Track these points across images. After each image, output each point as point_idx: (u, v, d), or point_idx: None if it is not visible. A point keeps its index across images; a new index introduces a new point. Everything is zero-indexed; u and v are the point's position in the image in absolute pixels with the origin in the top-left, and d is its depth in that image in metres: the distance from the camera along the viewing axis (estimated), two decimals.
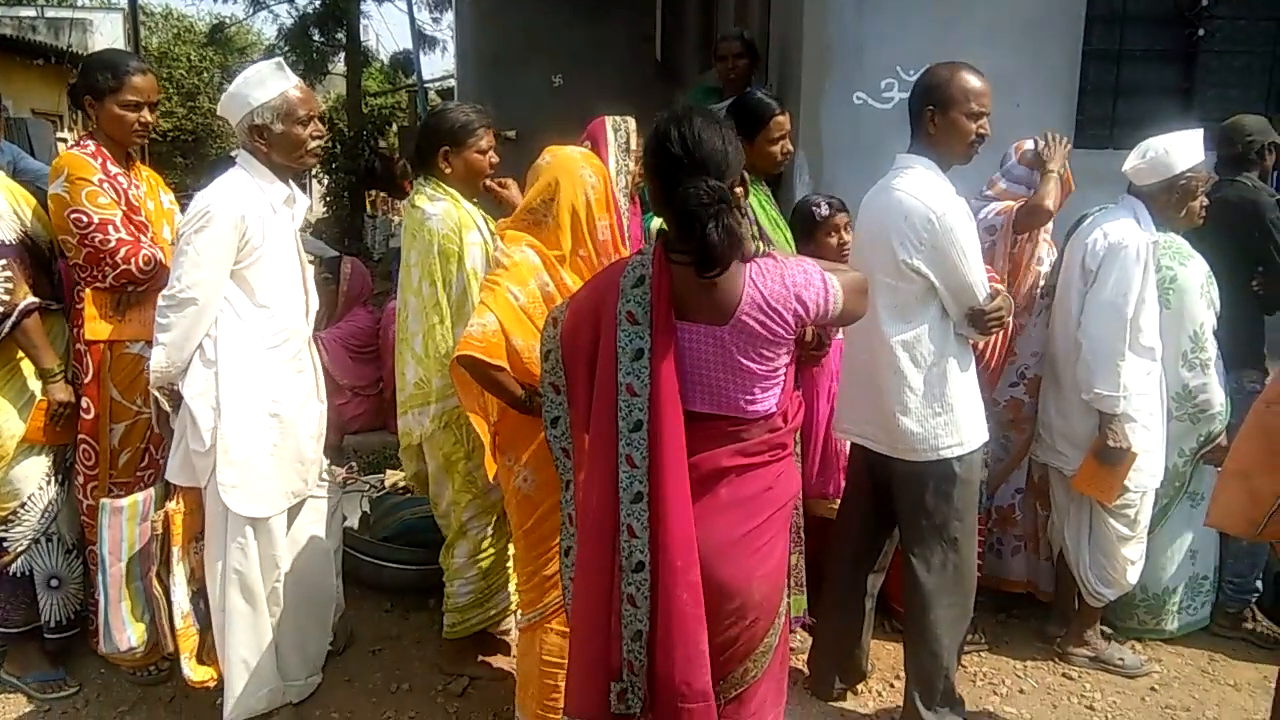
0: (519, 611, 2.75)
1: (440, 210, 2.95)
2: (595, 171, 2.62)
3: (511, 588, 3.19)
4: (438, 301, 2.93)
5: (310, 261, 3.19)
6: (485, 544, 3.09)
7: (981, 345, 3.26)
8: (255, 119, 2.81)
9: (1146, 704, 3.31)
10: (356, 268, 5.35)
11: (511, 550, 2.99)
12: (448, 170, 3.03)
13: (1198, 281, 3.36)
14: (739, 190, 1.99)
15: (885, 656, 3.44)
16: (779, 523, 2.09)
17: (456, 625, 3.17)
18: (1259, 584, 3.73)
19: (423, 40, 17.12)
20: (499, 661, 3.33)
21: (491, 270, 2.63)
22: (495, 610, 3.20)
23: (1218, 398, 3.43)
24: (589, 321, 2.03)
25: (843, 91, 4.32)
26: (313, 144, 2.90)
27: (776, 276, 1.97)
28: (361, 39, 18.23)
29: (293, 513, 2.99)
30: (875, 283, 2.77)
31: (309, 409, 2.98)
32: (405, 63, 18.84)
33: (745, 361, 1.96)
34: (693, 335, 1.96)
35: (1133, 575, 3.42)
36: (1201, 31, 4.43)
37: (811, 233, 3.47)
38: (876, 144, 3.86)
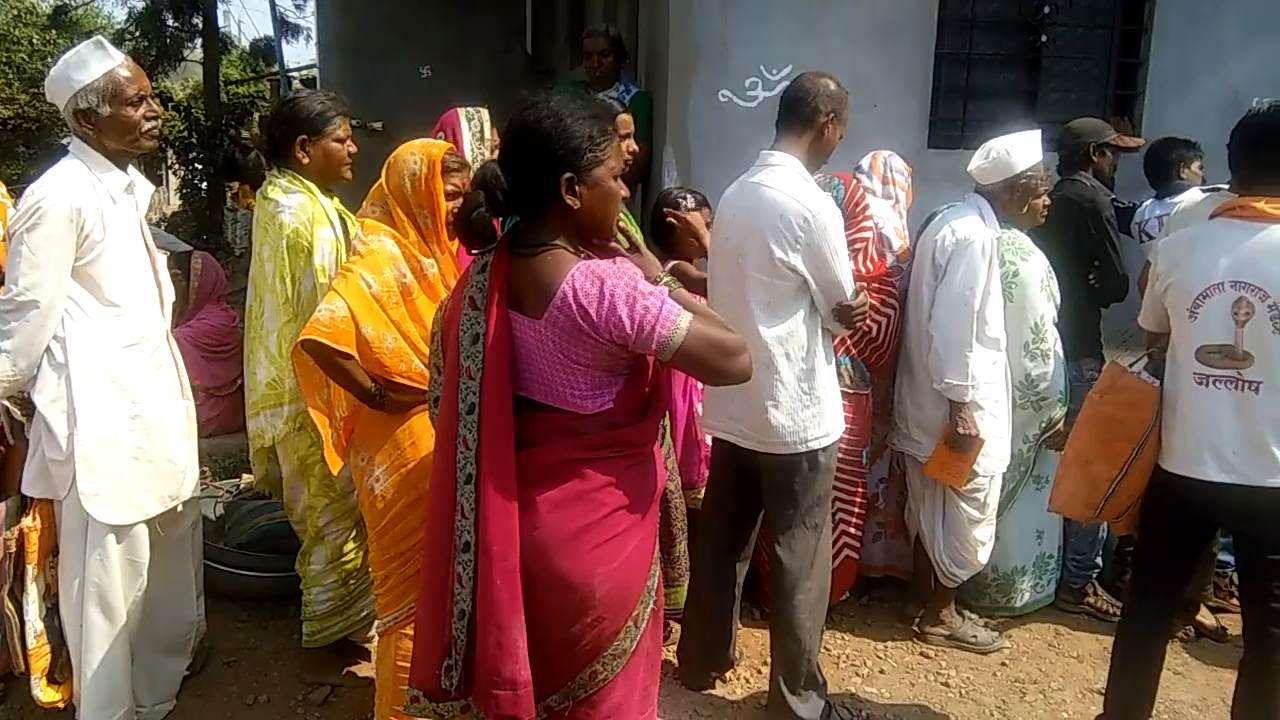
0: (378, 617, 2.68)
1: (294, 203, 2.85)
2: (423, 158, 2.58)
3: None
4: (288, 298, 2.83)
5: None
6: (347, 549, 3.00)
7: (879, 337, 3.43)
8: (80, 102, 2.63)
9: (998, 678, 3.47)
10: (209, 263, 5.11)
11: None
12: (305, 160, 2.93)
13: (1038, 276, 3.54)
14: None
15: (754, 644, 3.51)
16: (627, 520, 2.02)
17: (316, 634, 3.06)
18: (1099, 560, 3.96)
19: (285, 27, 16.49)
20: (363, 669, 3.24)
21: (349, 258, 2.56)
22: (358, 618, 3.11)
23: (1058, 386, 3.62)
24: (454, 305, 2.06)
25: (708, 89, 4.37)
26: (147, 125, 2.72)
27: (597, 281, 1.88)
28: (220, 25, 17.44)
29: (163, 524, 2.83)
30: (746, 279, 2.83)
31: (173, 408, 2.84)
32: (266, 50, 18.15)
33: (564, 358, 1.92)
34: (523, 325, 1.96)
35: (983, 556, 3.58)
36: (1044, 38, 4.66)
37: (673, 228, 3.50)
38: (742, 141, 3.92)
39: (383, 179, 2.59)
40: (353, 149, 3.01)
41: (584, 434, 1.98)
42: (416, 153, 2.57)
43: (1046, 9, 4.63)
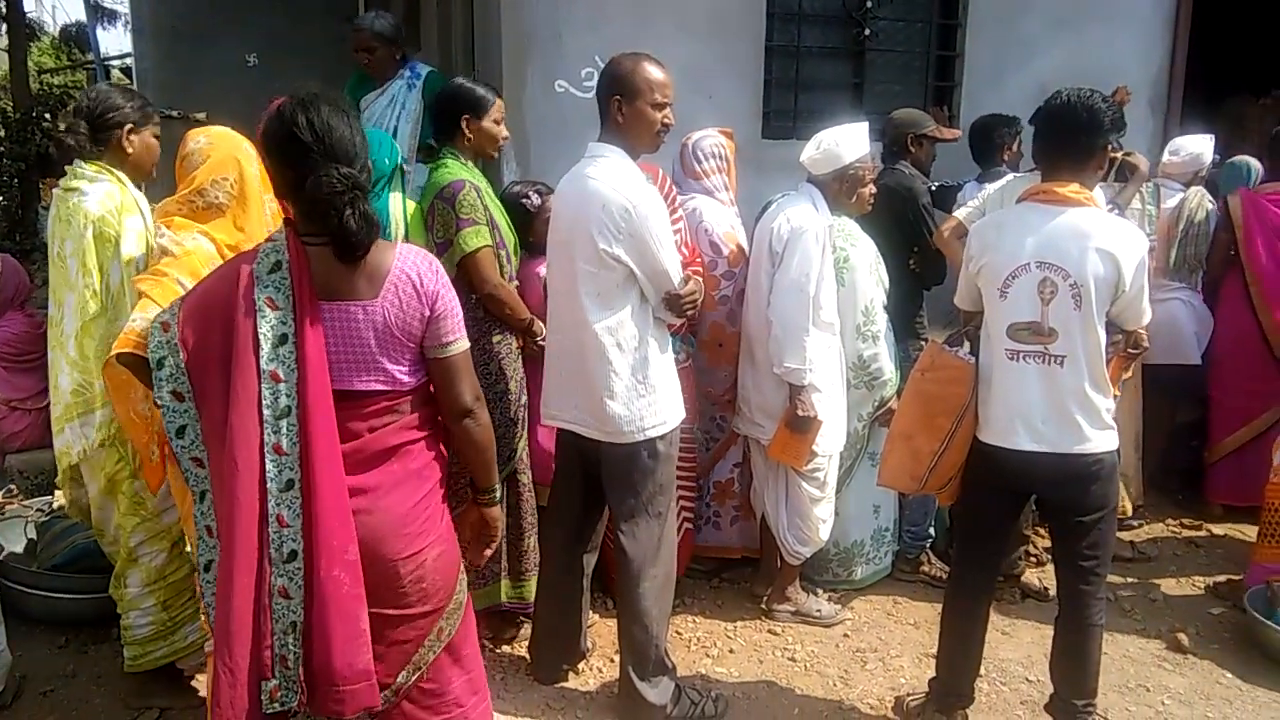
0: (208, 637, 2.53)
1: (101, 190, 2.66)
2: (253, 147, 2.51)
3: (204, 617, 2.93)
4: (95, 291, 2.64)
5: None
6: (169, 569, 2.82)
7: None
8: None
9: (840, 649, 3.60)
10: (9, 265, 4.71)
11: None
12: (130, 151, 2.79)
13: (867, 261, 3.68)
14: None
15: (607, 634, 3.51)
16: (438, 496, 2.17)
17: (139, 658, 2.88)
18: (932, 531, 4.16)
19: (100, 13, 15.46)
20: (195, 687, 3.07)
21: (156, 261, 2.40)
22: (184, 644, 2.92)
23: (888, 366, 3.78)
24: (219, 316, 1.95)
25: (544, 79, 4.34)
26: None
27: (418, 256, 2.07)
28: (29, 9, 16.18)
29: None
30: (577, 271, 2.82)
31: None
32: (80, 37, 16.94)
33: (397, 334, 2.01)
34: (342, 313, 1.98)
35: (825, 532, 3.70)
36: (867, 31, 4.85)
37: (529, 223, 3.48)
38: (580, 131, 3.88)
39: (240, 169, 2.45)
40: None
41: (403, 414, 2.07)
42: (247, 141, 2.48)
43: (868, 3, 4.81)
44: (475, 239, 3.04)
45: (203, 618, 2.46)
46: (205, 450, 2.01)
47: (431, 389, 2.14)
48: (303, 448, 1.92)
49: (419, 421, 2.11)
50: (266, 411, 1.90)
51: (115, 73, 13.79)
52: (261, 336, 1.91)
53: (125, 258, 2.66)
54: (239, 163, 2.51)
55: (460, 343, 2.11)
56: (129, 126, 2.79)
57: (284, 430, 1.91)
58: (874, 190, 3.67)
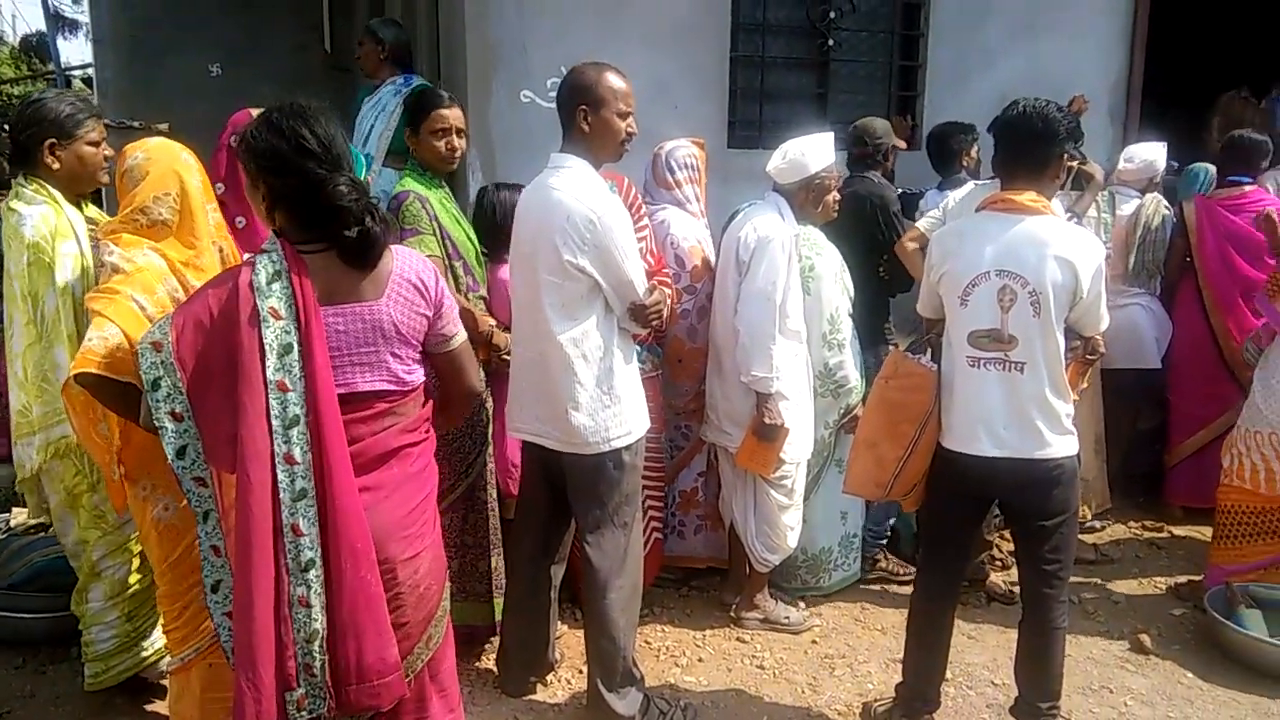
0: (169, 653, 2.50)
1: (36, 215, 2.63)
2: (193, 157, 2.51)
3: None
4: (31, 318, 2.61)
5: None
6: (131, 581, 2.78)
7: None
8: None
9: (809, 656, 3.61)
10: None
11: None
12: (55, 166, 2.72)
13: (833, 270, 3.71)
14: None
15: (575, 645, 3.50)
16: (433, 501, 2.22)
17: (101, 674, 2.84)
18: (889, 531, 4.23)
19: (61, 22, 15.25)
20: (157, 708, 3.02)
21: (107, 278, 2.37)
22: (147, 654, 2.89)
23: (854, 374, 3.80)
24: (219, 330, 1.94)
25: (510, 89, 4.34)
26: None
27: (415, 258, 2.15)
28: None
29: None
30: (540, 282, 2.82)
31: None
32: (40, 47, 16.69)
33: (403, 332, 2.07)
34: (347, 316, 2.01)
35: (793, 540, 3.71)
36: (831, 42, 4.89)
37: (500, 230, 3.47)
38: (546, 142, 3.86)
39: (182, 183, 2.44)
40: (109, 152, 2.80)
41: (404, 417, 2.12)
42: (186, 151, 2.47)
43: (832, 14, 4.85)
44: (420, 248, 3.01)
45: (163, 637, 2.43)
46: (208, 469, 2.00)
47: (425, 391, 2.20)
48: (315, 455, 1.94)
49: (417, 424, 2.16)
50: (275, 422, 1.91)
51: (76, 83, 13.60)
52: (267, 346, 1.91)
53: (60, 285, 2.63)
54: (179, 176, 2.47)
55: (460, 334, 2.23)
56: (50, 142, 2.72)
57: (294, 439, 1.92)
58: (838, 198, 3.70)
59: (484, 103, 4.32)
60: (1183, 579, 4.21)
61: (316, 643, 1.95)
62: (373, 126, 4.42)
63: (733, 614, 3.80)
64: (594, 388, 2.84)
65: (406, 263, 2.10)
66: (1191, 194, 4.78)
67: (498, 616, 3.35)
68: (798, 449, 3.61)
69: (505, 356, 3.15)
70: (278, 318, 1.91)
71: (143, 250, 2.35)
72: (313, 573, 1.93)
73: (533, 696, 3.26)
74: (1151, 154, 4.78)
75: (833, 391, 3.77)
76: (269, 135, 1.97)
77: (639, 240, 3.45)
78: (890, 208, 4.14)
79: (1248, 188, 4.53)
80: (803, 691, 3.39)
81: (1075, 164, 3.92)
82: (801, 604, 3.90)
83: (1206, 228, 4.58)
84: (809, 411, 3.66)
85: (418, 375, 2.14)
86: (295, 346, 1.92)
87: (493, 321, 3.25)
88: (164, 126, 6.66)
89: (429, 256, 3.02)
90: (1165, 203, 4.75)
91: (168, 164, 2.45)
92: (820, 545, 3.98)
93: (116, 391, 2.21)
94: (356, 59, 4.69)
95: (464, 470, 3.24)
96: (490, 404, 3.27)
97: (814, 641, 3.71)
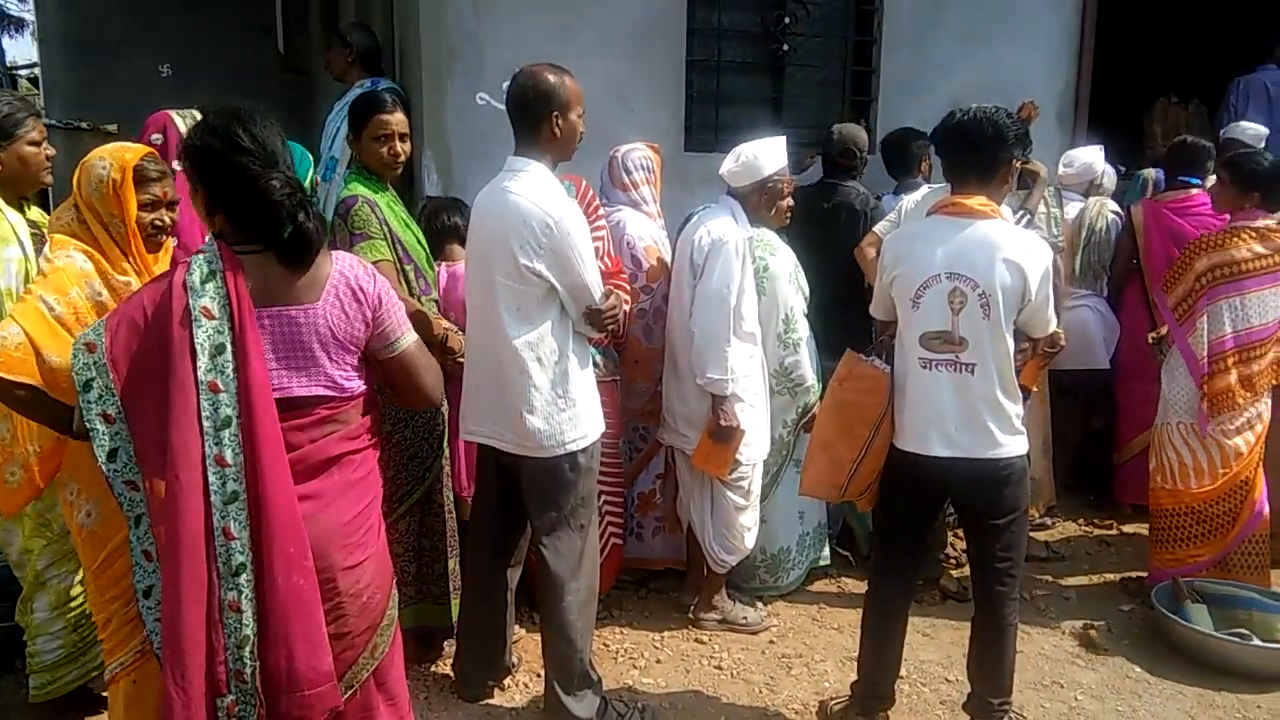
0: (105, 662, 2.46)
1: None
2: (114, 163, 2.42)
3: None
4: None
5: None
6: (74, 592, 2.73)
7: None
8: None
9: (766, 656, 3.64)
10: None
11: None
12: None
13: (787, 270, 3.73)
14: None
15: (532, 649, 3.49)
16: (377, 509, 2.20)
17: (47, 685, 2.78)
18: (837, 524, 4.33)
19: (5, 21, 14.94)
20: (101, 718, 2.96)
21: (33, 278, 2.34)
22: (95, 664, 2.82)
23: (810, 374, 3.83)
24: (154, 331, 1.92)
25: (465, 92, 4.32)
26: None
27: (353, 262, 2.12)
28: None
29: None
30: (496, 285, 2.81)
31: None
32: None
33: (340, 337, 2.04)
34: (281, 319, 1.99)
35: (750, 540, 3.73)
36: (785, 47, 4.92)
37: (451, 235, 3.53)
38: (502, 144, 3.85)
39: (75, 186, 2.39)
40: (51, 152, 2.76)
41: (345, 424, 2.09)
42: (107, 158, 2.41)
43: (786, 19, 4.89)
44: (371, 253, 2.99)
45: (105, 644, 2.38)
46: (140, 473, 1.96)
47: (368, 401, 2.16)
48: (247, 457, 1.91)
49: (360, 432, 2.13)
50: (206, 423, 1.88)
51: (23, 83, 13.32)
52: (198, 346, 1.89)
53: (3, 289, 2.59)
54: (78, 182, 2.43)
55: (408, 336, 2.18)
56: None
57: (226, 441, 1.89)
58: (791, 203, 3.73)
59: (439, 104, 4.29)
60: (1132, 574, 4.30)
61: (247, 648, 1.92)
62: (339, 129, 4.34)
63: (691, 615, 3.81)
64: (549, 391, 2.84)
65: (344, 266, 2.08)
66: (1138, 197, 4.89)
67: (455, 618, 3.32)
68: (754, 450, 3.64)
69: (460, 359, 3.14)
70: (210, 317, 1.90)
71: (67, 251, 2.32)
72: (244, 577, 1.91)
73: (490, 700, 3.25)
74: (1090, 157, 4.88)
75: (790, 390, 3.80)
76: (204, 135, 1.98)
77: (596, 242, 3.47)
78: (870, 212, 4.21)
79: (1195, 190, 4.63)
80: (760, 691, 3.40)
81: (1019, 164, 4.02)
82: (760, 604, 3.93)
83: (1153, 230, 4.68)
84: (765, 413, 3.69)
85: (357, 383, 2.11)
86: (228, 347, 1.90)
87: (446, 324, 3.23)
88: (113, 128, 6.56)
89: (379, 261, 3.00)
90: (1112, 205, 4.85)
91: (78, 169, 2.41)
92: (779, 545, 4.00)
93: (16, 393, 2.19)
94: (326, 63, 4.63)
95: (421, 474, 3.21)
96: (446, 408, 3.25)
97: (771, 641, 3.74)
